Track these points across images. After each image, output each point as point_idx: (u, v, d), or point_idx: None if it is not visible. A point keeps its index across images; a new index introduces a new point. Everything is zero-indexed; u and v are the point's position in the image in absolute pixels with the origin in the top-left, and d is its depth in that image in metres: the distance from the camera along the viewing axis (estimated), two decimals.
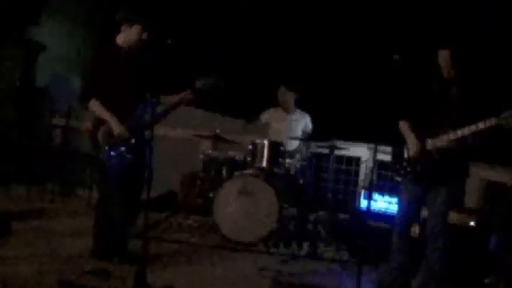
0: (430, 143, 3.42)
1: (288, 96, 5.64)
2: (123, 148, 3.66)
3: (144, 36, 3.69)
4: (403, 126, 3.58)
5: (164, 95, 3.86)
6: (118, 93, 3.62)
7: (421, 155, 3.39)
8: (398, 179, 3.63)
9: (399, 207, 3.72)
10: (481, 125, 3.14)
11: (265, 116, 5.83)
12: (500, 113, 3.07)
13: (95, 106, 3.61)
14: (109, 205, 3.81)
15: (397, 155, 3.65)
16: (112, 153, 3.63)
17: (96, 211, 3.93)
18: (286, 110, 5.69)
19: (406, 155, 3.57)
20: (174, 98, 3.84)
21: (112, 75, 3.62)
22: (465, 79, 3.40)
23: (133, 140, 3.69)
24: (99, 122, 3.67)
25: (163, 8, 6.76)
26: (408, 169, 3.52)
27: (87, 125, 3.85)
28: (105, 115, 3.59)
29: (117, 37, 3.71)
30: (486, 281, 4.01)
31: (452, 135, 3.28)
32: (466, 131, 3.21)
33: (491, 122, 3.10)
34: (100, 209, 3.89)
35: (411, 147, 3.44)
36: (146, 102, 3.68)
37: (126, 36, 3.69)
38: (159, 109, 3.71)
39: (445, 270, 3.49)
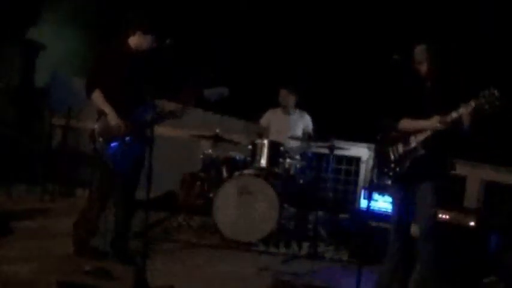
0: (413, 139, 3.42)
1: (289, 99, 5.63)
2: (117, 143, 3.73)
3: (151, 45, 3.83)
4: (405, 121, 3.55)
5: (168, 100, 3.94)
6: (120, 91, 3.72)
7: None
8: (389, 181, 3.62)
9: (393, 208, 3.71)
10: (461, 111, 3.14)
11: (264, 118, 5.82)
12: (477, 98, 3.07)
13: (97, 97, 3.71)
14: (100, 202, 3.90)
15: (382, 158, 3.63)
16: (106, 146, 3.70)
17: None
18: (286, 112, 5.68)
19: (392, 157, 3.55)
20: (168, 108, 3.91)
21: (116, 73, 3.74)
22: (440, 73, 3.39)
23: (128, 138, 3.76)
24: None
25: (163, 8, 6.76)
26: (397, 169, 3.51)
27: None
28: (105, 107, 3.69)
29: (130, 39, 3.84)
30: (486, 280, 4.01)
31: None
32: (453, 116, 3.22)
33: (470, 106, 3.09)
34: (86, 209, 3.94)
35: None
36: (146, 103, 3.74)
37: (140, 41, 3.83)
38: (157, 112, 3.78)
39: (439, 268, 3.48)
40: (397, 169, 3.50)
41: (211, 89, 3.86)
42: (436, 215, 3.49)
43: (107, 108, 3.69)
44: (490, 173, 5.25)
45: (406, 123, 3.54)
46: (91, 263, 3.56)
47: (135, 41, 3.84)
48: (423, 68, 3.43)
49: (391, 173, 3.55)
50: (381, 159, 3.63)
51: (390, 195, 3.81)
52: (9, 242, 4.15)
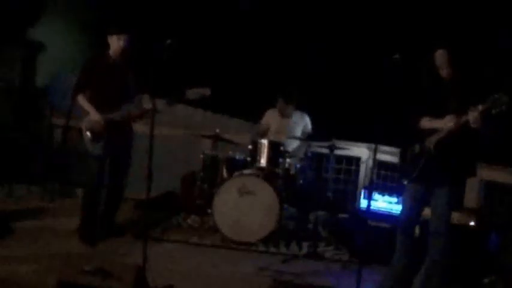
0: (428, 140, 3.45)
1: (288, 108, 5.63)
2: (103, 139, 4.30)
3: (122, 44, 4.34)
4: (425, 120, 3.57)
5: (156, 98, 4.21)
6: (102, 92, 4.35)
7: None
8: (405, 181, 3.66)
9: (403, 208, 3.72)
10: (469, 114, 3.16)
11: (265, 118, 5.82)
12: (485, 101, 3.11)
13: (80, 100, 4.38)
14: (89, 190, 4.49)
15: (403, 158, 3.69)
16: (92, 138, 4.29)
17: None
18: (286, 116, 5.68)
19: (409, 156, 3.59)
20: (147, 105, 4.26)
21: (98, 78, 4.35)
22: (461, 76, 3.42)
23: (111, 132, 4.29)
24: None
25: (164, 9, 6.76)
26: (412, 169, 3.54)
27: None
28: (87, 107, 4.34)
29: (109, 46, 4.41)
30: (485, 280, 4.01)
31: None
32: (458, 122, 3.25)
33: (477, 109, 3.12)
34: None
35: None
36: (129, 101, 4.39)
37: (111, 44, 4.39)
38: (136, 109, 4.42)
39: (446, 269, 3.49)
40: (413, 169, 3.53)
41: (193, 89, 4.03)
42: (450, 217, 3.51)
43: (89, 108, 4.33)
44: (489, 173, 5.24)
45: (425, 123, 3.57)
46: (91, 263, 3.56)
47: (109, 46, 4.39)
48: (443, 72, 3.45)
49: (407, 173, 3.58)
50: (402, 159, 3.68)
51: (402, 195, 3.82)
52: (9, 242, 4.15)
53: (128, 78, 4.42)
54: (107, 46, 4.42)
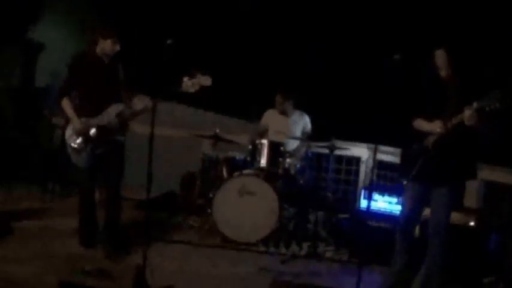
0: (426, 140, 3.46)
1: (286, 104, 5.64)
2: (89, 146, 4.13)
3: (117, 47, 4.17)
4: (418, 120, 3.58)
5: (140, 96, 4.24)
6: (90, 94, 4.14)
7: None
8: (405, 181, 3.66)
9: (402, 208, 3.72)
10: (464, 113, 3.16)
11: (264, 118, 5.83)
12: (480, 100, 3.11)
13: (64, 104, 4.19)
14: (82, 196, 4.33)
15: (403, 158, 3.70)
16: (74, 148, 4.15)
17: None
18: (285, 115, 5.69)
19: (409, 156, 3.60)
20: (138, 106, 4.21)
21: (85, 78, 4.15)
22: (461, 76, 3.41)
23: (96, 137, 4.11)
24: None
25: (164, 9, 6.76)
26: (411, 168, 3.54)
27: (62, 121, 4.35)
28: (70, 114, 4.16)
29: (97, 46, 4.19)
30: (486, 280, 4.01)
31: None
32: (454, 121, 3.25)
33: (472, 108, 3.12)
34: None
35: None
36: (117, 102, 4.16)
37: (102, 47, 4.18)
38: (127, 111, 4.18)
39: (444, 269, 3.49)
40: (412, 168, 3.53)
41: (191, 80, 3.75)
42: (449, 217, 3.51)
43: (71, 115, 4.14)
44: (489, 173, 5.24)
45: (416, 124, 3.57)
46: (91, 263, 3.57)
47: (99, 47, 4.18)
48: (443, 72, 3.45)
49: (406, 172, 3.59)
50: (402, 159, 3.69)
51: (402, 195, 3.83)
52: (9, 242, 4.15)
53: (115, 78, 4.21)
54: (92, 45, 4.20)
